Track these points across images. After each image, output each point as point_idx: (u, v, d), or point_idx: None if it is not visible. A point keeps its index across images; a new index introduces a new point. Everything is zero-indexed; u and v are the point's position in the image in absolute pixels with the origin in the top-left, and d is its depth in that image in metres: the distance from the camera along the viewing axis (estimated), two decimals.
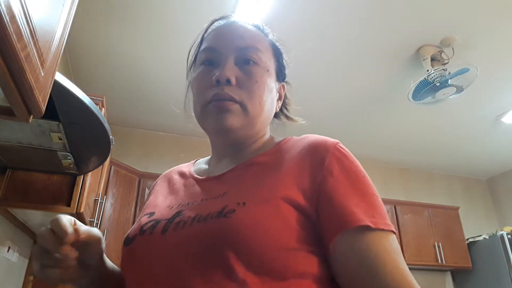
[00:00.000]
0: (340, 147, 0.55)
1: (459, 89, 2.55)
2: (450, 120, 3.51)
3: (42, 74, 0.76)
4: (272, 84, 0.63)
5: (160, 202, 0.62)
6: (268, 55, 0.64)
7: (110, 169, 2.85)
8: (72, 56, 2.69)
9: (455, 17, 2.31)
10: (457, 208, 4.19)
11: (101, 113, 1.30)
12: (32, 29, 0.67)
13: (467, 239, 4.03)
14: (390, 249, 0.47)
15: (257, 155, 0.60)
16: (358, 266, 0.46)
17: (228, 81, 0.57)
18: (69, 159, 1.58)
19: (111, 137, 1.48)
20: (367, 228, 0.47)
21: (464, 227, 4.08)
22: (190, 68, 0.69)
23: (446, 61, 2.56)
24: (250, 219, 0.46)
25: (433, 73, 2.44)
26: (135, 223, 0.60)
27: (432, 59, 2.55)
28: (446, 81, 2.47)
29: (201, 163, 0.71)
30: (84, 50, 2.64)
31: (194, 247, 0.47)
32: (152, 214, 0.58)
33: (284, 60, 0.69)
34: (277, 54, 0.68)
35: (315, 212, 0.49)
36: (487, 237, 3.90)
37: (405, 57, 2.67)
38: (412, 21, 2.35)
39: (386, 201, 3.86)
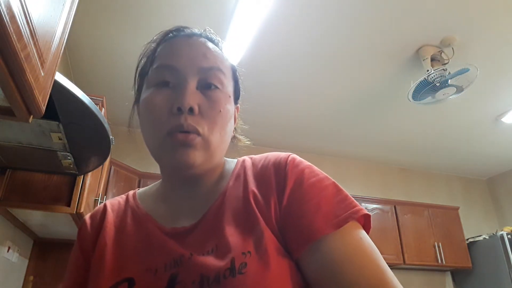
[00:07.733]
0: (294, 158, 0.55)
1: (459, 89, 2.55)
2: (450, 120, 3.51)
3: (42, 74, 0.76)
4: (232, 111, 0.59)
5: (130, 262, 0.52)
6: (229, 78, 0.58)
7: (110, 169, 2.85)
8: (72, 56, 2.69)
9: (455, 17, 2.31)
10: (457, 208, 4.19)
11: (101, 113, 1.31)
12: (32, 29, 0.67)
13: (467, 239, 4.03)
14: (358, 246, 0.46)
15: (221, 190, 0.56)
16: (329, 277, 0.44)
17: (191, 110, 0.50)
18: (69, 159, 1.58)
19: (111, 137, 1.48)
20: (330, 235, 0.46)
21: (464, 227, 4.08)
22: (138, 88, 0.60)
23: (446, 61, 2.56)
24: (265, 271, 0.44)
25: (433, 73, 2.44)
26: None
27: (432, 59, 2.55)
28: (446, 81, 2.47)
29: (147, 198, 0.63)
30: (84, 50, 2.64)
31: None
32: (131, 281, 0.49)
33: (239, 80, 0.64)
34: (235, 75, 0.62)
35: (282, 233, 0.49)
36: (487, 237, 3.90)
37: (405, 57, 2.67)
38: (412, 21, 2.35)
39: (386, 201, 3.87)
